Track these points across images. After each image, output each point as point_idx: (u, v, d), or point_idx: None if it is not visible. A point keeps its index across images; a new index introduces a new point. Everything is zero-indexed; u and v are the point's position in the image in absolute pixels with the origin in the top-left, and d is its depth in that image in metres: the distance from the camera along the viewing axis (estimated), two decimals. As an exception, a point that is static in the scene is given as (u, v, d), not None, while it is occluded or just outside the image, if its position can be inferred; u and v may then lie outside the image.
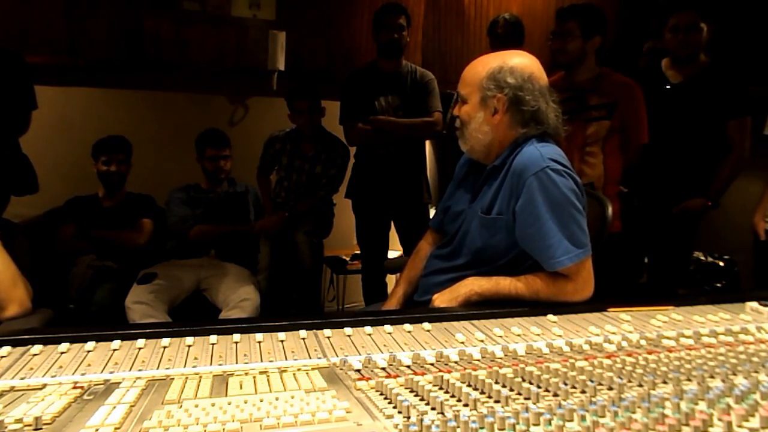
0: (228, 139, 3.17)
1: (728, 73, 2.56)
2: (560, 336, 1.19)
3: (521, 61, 1.51)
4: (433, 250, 1.74)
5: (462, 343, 1.14)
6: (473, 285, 1.48)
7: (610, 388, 0.88)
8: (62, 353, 1.05)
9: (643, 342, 1.12)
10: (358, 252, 3.40)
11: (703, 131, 2.57)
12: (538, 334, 1.21)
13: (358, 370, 0.97)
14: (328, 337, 1.16)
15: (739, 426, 0.74)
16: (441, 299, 1.49)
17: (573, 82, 2.47)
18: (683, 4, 2.51)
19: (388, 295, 1.83)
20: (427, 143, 3.32)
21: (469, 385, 0.90)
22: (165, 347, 1.09)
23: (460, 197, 1.67)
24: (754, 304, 1.38)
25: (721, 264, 3.48)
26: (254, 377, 0.94)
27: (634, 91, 2.42)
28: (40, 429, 0.76)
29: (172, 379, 0.94)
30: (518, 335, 1.20)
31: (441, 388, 0.89)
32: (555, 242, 1.41)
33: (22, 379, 0.94)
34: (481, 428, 0.73)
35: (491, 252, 1.53)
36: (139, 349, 1.08)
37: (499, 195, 1.51)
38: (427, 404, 0.83)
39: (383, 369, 0.98)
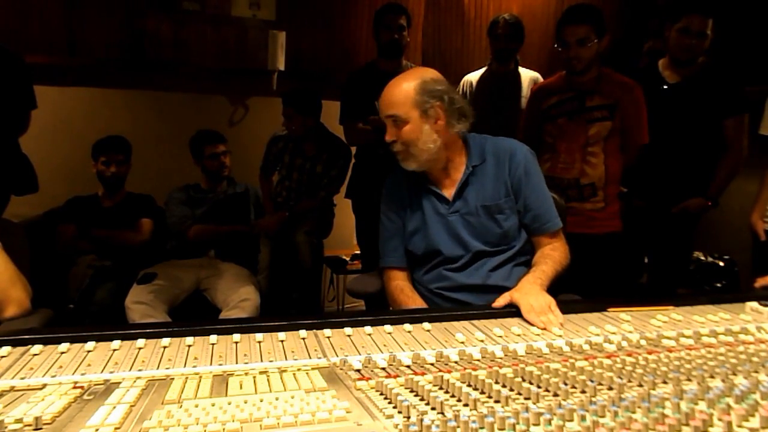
0: (222, 135, 3.18)
1: (724, 72, 2.55)
2: (560, 336, 1.19)
3: (433, 72, 1.66)
4: (444, 269, 1.69)
5: (462, 343, 1.14)
6: (538, 284, 1.49)
7: (610, 388, 0.88)
8: (62, 353, 1.05)
9: (643, 342, 1.12)
10: (358, 252, 3.40)
11: (700, 131, 2.56)
12: (537, 334, 1.21)
13: (358, 370, 0.97)
14: (328, 337, 1.16)
15: (739, 426, 0.74)
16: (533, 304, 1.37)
17: (574, 82, 2.45)
18: (698, 8, 2.46)
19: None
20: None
21: (469, 385, 0.90)
22: (165, 347, 1.09)
23: (420, 216, 1.70)
24: (754, 304, 1.38)
25: (721, 264, 3.48)
26: (254, 377, 0.94)
27: (635, 92, 2.41)
28: (40, 429, 0.77)
29: (172, 379, 0.94)
30: (518, 335, 1.20)
31: (441, 388, 0.89)
32: (551, 206, 1.70)
33: (22, 379, 0.94)
34: (481, 428, 0.73)
35: (513, 230, 1.68)
36: (139, 349, 1.08)
37: (497, 182, 1.67)
38: (427, 404, 0.83)
39: (383, 369, 0.98)
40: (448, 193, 1.69)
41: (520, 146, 1.71)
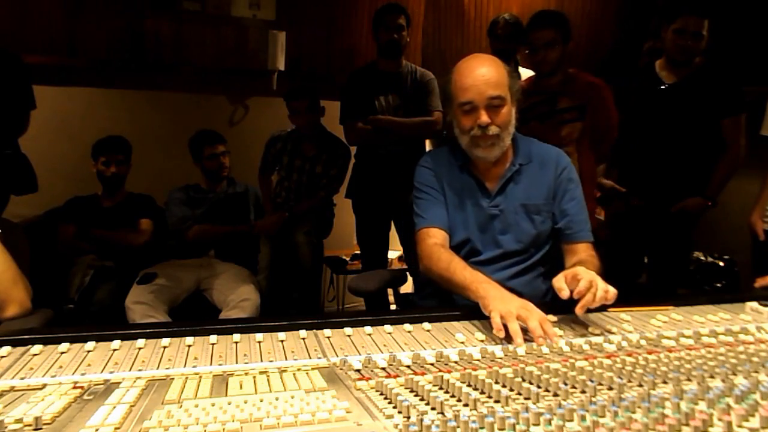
0: (222, 135, 3.18)
1: (721, 72, 2.55)
2: (560, 336, 1.19)
3: None
4: (471, 262, 1.57)
5: (462, 343, 1.14)
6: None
7: (610, 388, 0.88)
8: (62, 353, 1.05)
9: (643, 342, 1.12)
10: (358, 252, 3.40)
11: (698, 131, 2.56)
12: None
13: (358, 370, 0.97)
14: (328, 337, 1.16)
15: (739, 426, 0.74)
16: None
17: (543, 85, 2.48)
18: (693, 8, 2.47)
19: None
20: (427, 142, 3.32)
21: (469, 385, 0.90)
22: (165, 347, 1.09)
23: (458, 203, 1.65)
24: (754, 304, 1.38)
25: (721, 264, 3.47)
26: (254, 377, 0.94)
27: (602, 91, 2.44)
28: (40, 429, 0.76)
29: (172, 379, 0.94)
30: (518, 335, 1.20)
31: (441, 388, 0.89)
32: (586, 219, 1.66)
33: (22, 379, 0.94)
34: (481, 428, 0.73)
35: (544, 235, 1.65)
36: (139, 349, 1.08)
37: (541, 184, 1.65)
38: (427, 404, 0.83)
39: (383, 369, 0.98)
40: (491, 186, 1.65)
41: (565, 155, 1.71)
